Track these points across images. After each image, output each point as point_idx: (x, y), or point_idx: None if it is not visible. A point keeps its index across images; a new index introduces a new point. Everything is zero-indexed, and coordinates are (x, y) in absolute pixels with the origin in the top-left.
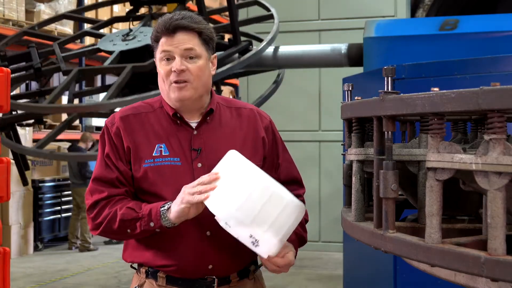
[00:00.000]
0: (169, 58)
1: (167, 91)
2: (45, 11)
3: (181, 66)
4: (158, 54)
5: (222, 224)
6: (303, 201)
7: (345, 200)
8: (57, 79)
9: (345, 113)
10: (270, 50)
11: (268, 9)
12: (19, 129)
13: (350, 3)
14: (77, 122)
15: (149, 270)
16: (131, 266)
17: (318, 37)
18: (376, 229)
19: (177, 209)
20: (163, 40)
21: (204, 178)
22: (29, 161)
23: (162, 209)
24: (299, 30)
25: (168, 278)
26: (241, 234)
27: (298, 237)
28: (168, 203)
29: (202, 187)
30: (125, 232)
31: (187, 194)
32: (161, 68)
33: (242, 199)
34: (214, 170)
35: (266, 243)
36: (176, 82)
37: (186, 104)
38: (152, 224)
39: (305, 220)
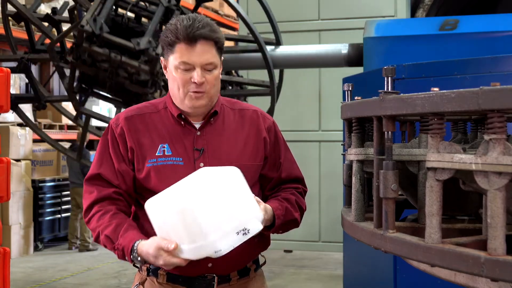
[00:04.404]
0: (187, 68)
1: (182, 99)
2: (45, 11)
3: (202, 78)
4: (174, 61)
5: (214, 256)
6: (301, 193)
7: (345, 200)
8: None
9: (345, 113)
10: (270, 50)
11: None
12: (18, 129)
13: (350, 3)
14: None
15: (150, 268)
16: (134, 265)
17: (318, 37)
18: (376, 229)
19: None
20: (182, 47)
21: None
22: (29, 161)
23: (132, 256)
24: (299, 30)
25: (168, 276)
26: (229, 242)
27: (284, 212)
28: (138, 247)
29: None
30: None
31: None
32: (178, 76)
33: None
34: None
35: (251, 225)
36: (194, 92)
37: (199, 109)
38: (126, 259)
39: (299, 207)
